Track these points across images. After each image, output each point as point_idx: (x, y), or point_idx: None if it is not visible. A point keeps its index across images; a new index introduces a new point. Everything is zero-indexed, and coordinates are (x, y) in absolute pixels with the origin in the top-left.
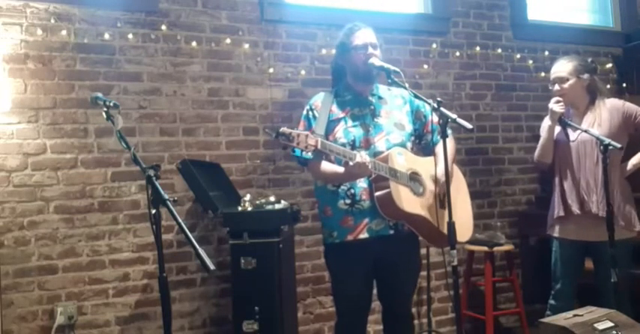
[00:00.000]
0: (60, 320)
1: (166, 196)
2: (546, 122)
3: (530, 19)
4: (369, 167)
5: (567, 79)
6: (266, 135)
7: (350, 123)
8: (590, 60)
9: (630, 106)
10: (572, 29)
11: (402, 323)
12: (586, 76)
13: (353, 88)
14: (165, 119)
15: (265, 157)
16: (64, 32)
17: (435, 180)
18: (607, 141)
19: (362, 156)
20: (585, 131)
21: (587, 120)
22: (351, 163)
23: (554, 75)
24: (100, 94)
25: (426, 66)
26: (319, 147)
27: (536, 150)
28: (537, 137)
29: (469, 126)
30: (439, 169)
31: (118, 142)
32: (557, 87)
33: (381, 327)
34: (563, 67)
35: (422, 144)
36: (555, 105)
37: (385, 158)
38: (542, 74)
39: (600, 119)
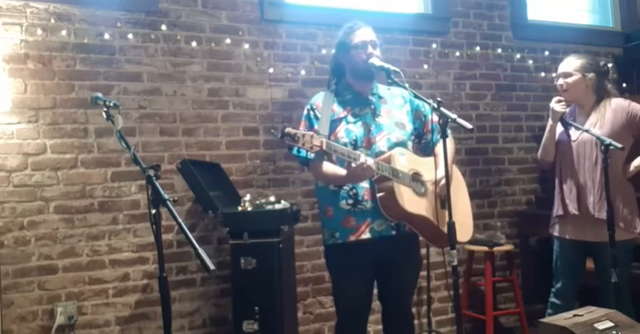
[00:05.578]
0: (60, 320)
1: (166, 196)
2: (549, 121)
3: (530, 19)
4: (373, 168)
5: (571, 75)
6: (271, 135)
7: (351, 122)
8: (602, 63)
9: (636, 107)
10: (572, 29)
11: (403, 323)
12: (591, 75)
13: (353, 88)
14: (165, 119)
15: (265, 157)
16: (64, 32)
17: (435, 183)
18: (608, 141)
19: (366, 160)
20: (586, 131)
21: (590, 121)
22: (354, 164)
23: (560, 69)
24: (100, 94)
25: (426, 66)
26: (324, 147)
27: (539, 149)
28: (537, 137)
29: (469, 126)
30: (439, 172)
31: (118, 142)
32: (560, 81)
33: (381, 327)
34: (570, 63)
35: (422, 144)
36: (557, 105)
37: (387, 158)
38: (543, 74)
39: (603, 120)
